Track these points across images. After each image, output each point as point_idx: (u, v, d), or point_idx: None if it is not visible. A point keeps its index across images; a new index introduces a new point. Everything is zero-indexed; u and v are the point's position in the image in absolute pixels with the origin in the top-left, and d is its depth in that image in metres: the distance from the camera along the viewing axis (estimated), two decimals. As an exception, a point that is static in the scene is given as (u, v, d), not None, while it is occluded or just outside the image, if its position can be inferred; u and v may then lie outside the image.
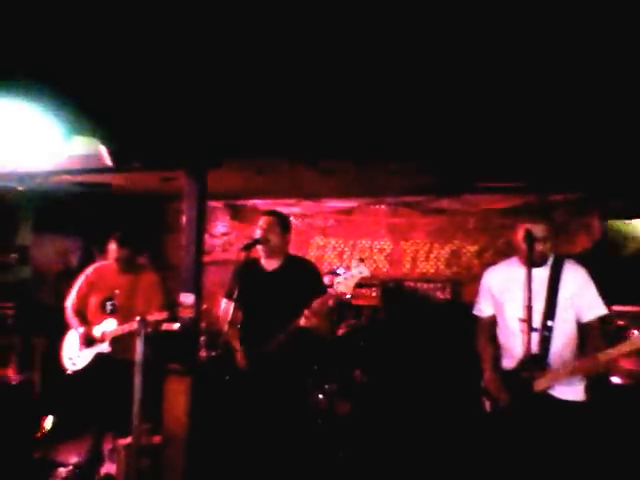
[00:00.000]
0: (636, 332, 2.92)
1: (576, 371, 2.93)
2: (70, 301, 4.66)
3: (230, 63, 2.92)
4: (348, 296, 3.30)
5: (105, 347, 4.45)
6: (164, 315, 4.32)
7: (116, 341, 4.42)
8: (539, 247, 2.99)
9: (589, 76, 2.95)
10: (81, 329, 4.51)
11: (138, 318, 3.77)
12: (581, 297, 3.03)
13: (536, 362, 2.92)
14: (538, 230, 3.01)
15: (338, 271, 3.28)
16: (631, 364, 4.31)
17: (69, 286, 4.77)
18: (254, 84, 3.19)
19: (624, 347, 2.80)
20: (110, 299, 4.56)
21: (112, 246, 4.61)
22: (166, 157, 4.20)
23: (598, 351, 2.88)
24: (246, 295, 3.52)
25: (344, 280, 3.19)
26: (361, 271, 3.19)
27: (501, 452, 3.03)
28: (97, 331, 4.48)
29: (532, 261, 2.96)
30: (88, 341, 4.50)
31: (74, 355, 4.55)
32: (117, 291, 4.57)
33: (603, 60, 2.76)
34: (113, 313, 4.52)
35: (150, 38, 2.67)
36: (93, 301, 4.60)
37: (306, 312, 3.27)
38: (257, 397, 3.44)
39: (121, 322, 4.44)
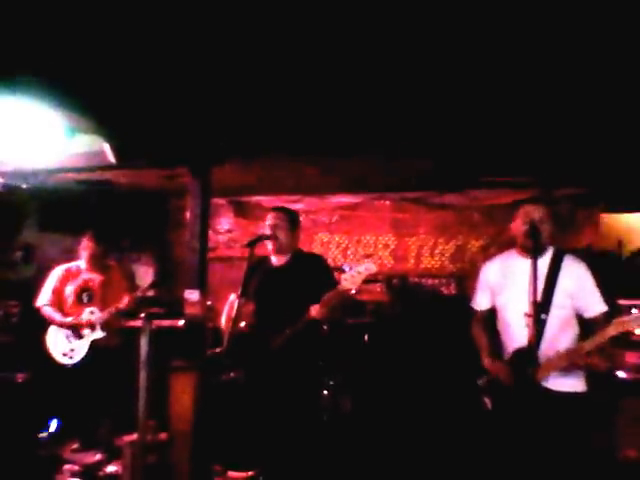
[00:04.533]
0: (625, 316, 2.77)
1: (564, 359, 2.82)
2: (44, 299, 4.68)
3: (234, 60, 2.91)
4: (353, 291, 3.28)
5: (98, 333, 4.54)
6: (124, 301, 4.53)
7: (106, 327, 4.56)
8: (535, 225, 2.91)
9: (593, 71, 2.94)
10: (68, 319, 4.59)
11: (142, 315, 3.83)
12: (581, 294, 2.96)
13: (527, 353, 2.84)
14: (535, 211, 2.96)
15: (344, 267, 3.24)
16: (636, 358, 4.30)
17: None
18: (256, 82, 3.18)
19: (609, 331, 2.71)
20: (86, 290, 4.67)
21: (86, 242, 4.72)
22: (169, 154, 4.20)
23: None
24: (257, 292, 3.52)
25: (350, 277, 3.16)
26: (368, 267, 3.16)
27: (503, 449, 2.99)
28: (85, 316, 4.56)
29: (535, 244, 2.87)
30: (77, 331, 4.56)
31: (67, 349, 4.58)
32: (91, 283, 4.69)
33: (607, 57, 2.75)
34: (90, 302, 4.62)
35: (155, 36, 2.66)
36: (69, 292, 4.68)
37: (316, 305, 3.24)
38: (263, 394, 3.44)
39: (101, 309, 4.56)
